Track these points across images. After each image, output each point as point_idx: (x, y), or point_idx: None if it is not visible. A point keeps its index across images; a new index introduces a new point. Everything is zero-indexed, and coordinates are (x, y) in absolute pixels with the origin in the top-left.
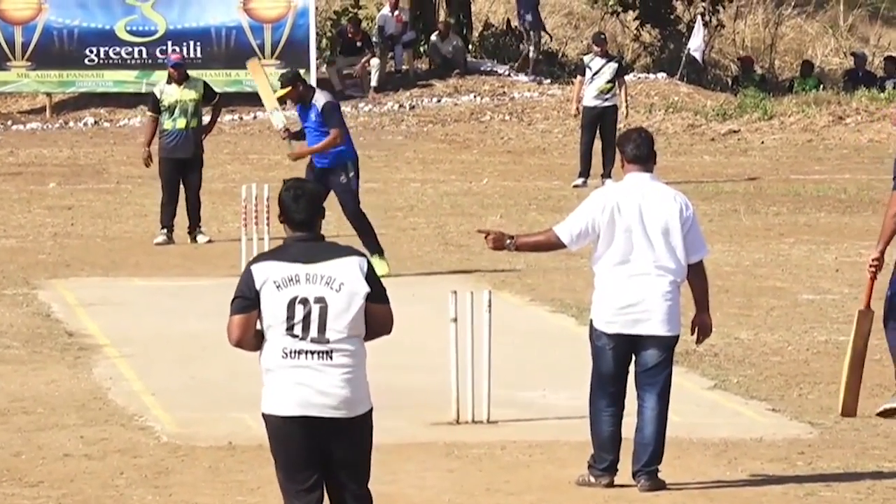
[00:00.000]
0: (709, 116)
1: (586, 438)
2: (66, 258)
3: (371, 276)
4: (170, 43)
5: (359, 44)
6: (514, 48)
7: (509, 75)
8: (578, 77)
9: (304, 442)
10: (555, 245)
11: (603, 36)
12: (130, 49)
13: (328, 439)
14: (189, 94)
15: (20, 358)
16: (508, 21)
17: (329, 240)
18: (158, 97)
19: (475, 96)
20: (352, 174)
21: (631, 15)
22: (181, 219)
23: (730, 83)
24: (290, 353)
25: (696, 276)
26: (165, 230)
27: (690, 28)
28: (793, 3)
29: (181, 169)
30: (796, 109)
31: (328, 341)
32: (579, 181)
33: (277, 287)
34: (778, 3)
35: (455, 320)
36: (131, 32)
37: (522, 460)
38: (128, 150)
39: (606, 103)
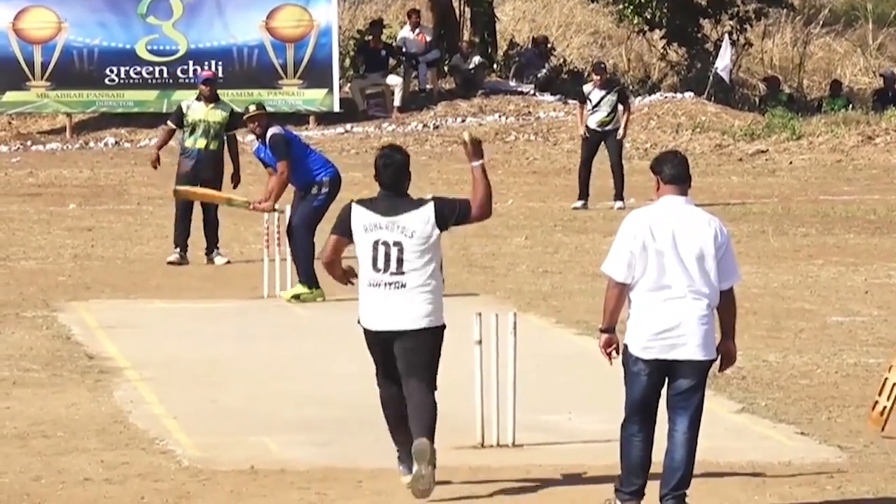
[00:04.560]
0: (736, 136)
1: (613, 462)
2: (87, 280)
3: (440, 210)
4: (191, 62)
5: (383, 52)
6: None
7: (534, 94)
8: (579, 104)
9: (381, 348)
10: (616, 289)
11: (602, 65)
12: (151, 69)
13: (399, 346)
14: (215, 116)
15: (40, 381)
16: (534, 39)
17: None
18: (184, 112)
19: (500, 116)
20: (324, 190)
21: (658, 34)
22: (199, 239)
23: (758, 103)
24: (373, 283)
25: (725, 302)
26: (179, 249)
27: (718, 47)
28: (821, 22)
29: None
30: (825, 129)
31: (403, 273)
32: (578, 204)
33: (365, 230)
34: (806, 21)
35: (480, 342)
36: (152, 52)
37: (548, 484)
38: (148, 170)
39: (608, 128)
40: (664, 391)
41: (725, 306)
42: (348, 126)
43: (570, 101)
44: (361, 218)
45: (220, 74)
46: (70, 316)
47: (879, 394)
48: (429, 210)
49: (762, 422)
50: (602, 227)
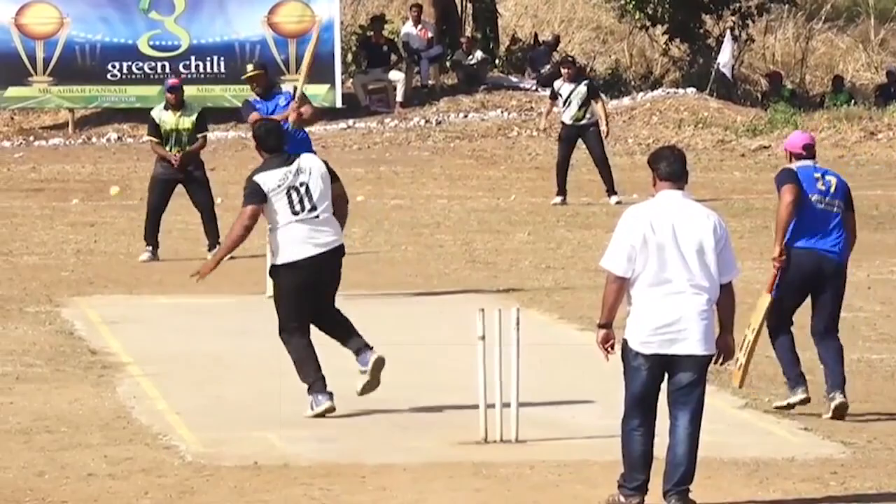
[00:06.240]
0: (739, 132)
1: (616, 458)
2: (89, 275)
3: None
4: (193, 58)
5: (385, 48)
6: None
7: (536, 90)
8: (549, 100)
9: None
10: (615, 284)
11: (571, 58)
12: (153, 64)
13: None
14: (185, 123)
15: (43, 376)
16: (536, 35)
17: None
18: (157, 122)
19: (502, 111)
20: None
21: (660, 29)
22: (202, 234)
23: (760, 98)
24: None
25: (724, 296)
26: (150, 247)
27: (720, 42)
28: (823, 18)
29: (172, 189)
30: (827, 125)
31: (315, 209)
32: (557, 200)
33: (279, 187)
34: (808, 17)
35: (483, 338)
36: (154, 47)
37: (551, 480)
38: (151, 166)
39: (583, 122)
40: (664, 386)
41: (725, 301)
42: (351, 121)
43: None
44: (269, 181)
45: (223, 70)
46: (73, 311)
47: (741, 349)
48: (319, 160)
49: (765, 417)
50: (605, 222)
